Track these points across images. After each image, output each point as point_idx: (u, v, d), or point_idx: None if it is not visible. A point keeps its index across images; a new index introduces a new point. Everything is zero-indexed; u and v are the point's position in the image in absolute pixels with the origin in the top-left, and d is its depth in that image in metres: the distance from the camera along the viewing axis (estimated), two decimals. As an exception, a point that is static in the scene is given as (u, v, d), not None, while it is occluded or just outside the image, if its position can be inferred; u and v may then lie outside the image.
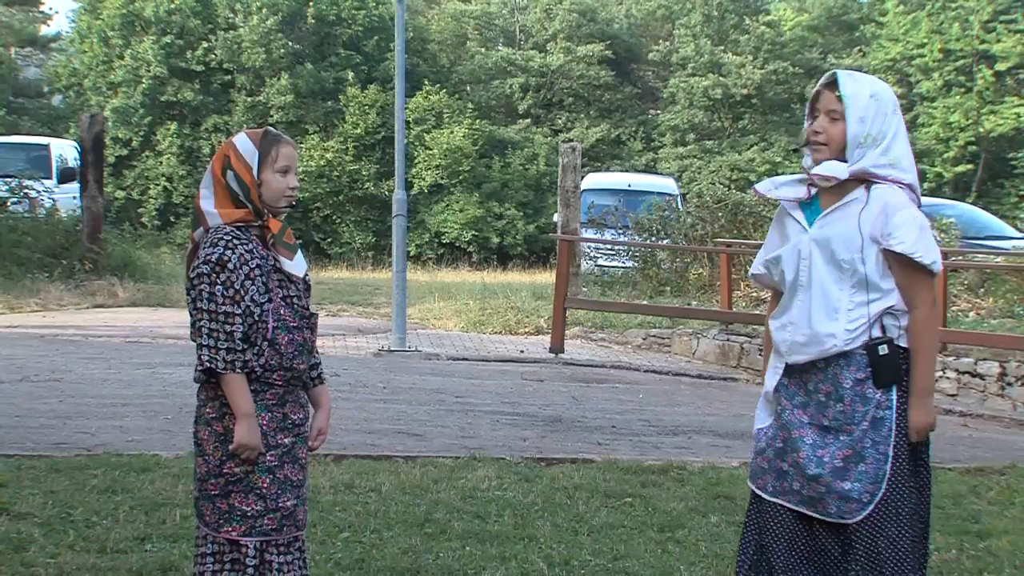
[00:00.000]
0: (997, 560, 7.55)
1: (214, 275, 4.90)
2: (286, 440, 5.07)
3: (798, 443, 5.06)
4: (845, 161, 5.06)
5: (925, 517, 5.07)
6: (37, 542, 7.02)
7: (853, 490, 4.96)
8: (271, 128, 5.21)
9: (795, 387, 5.14)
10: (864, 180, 5.04)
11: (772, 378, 5.23)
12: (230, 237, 4.98)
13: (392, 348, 18.44)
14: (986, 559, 7.57)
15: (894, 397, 4.98)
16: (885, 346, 4.97)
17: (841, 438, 4.99)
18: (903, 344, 5.01)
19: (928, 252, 4.95)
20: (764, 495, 5.18)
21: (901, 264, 4.96)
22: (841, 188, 5.09)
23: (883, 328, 5.00)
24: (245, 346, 4.93)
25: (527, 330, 21.74)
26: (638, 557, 7.27)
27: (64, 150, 31.82)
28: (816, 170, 5.15)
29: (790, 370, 5.15)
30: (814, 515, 5.05)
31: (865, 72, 5.28)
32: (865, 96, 5.08)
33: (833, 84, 5.12)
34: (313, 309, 5.25)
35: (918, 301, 5.00)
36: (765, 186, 5.29)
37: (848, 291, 5.00)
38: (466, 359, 18.06)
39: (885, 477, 4.96)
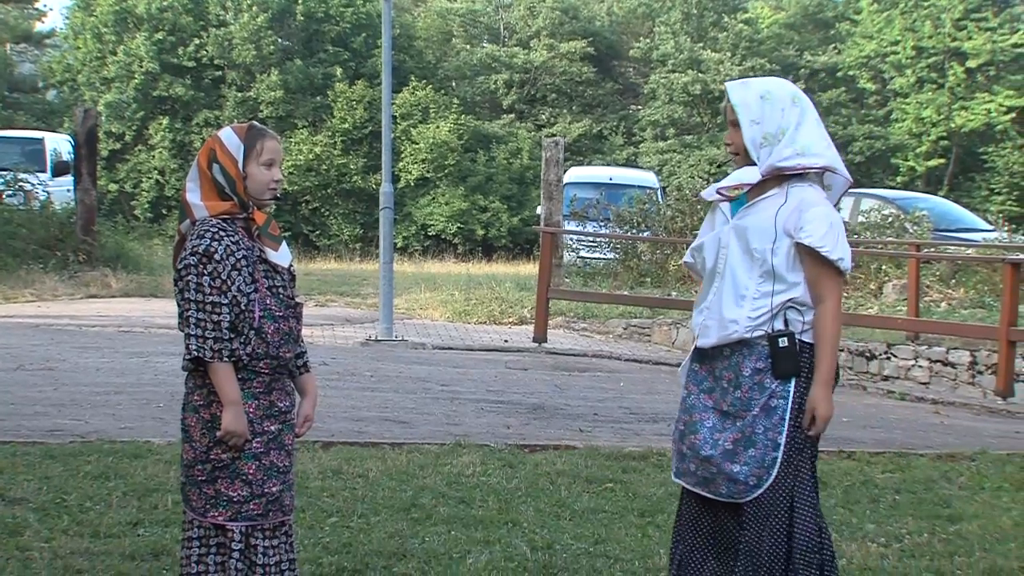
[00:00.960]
0: (967, 543, 7.57)
1: (201, 266, 4.89)
2: (272, 427, 5.06)
3: (697, 426, 5.15)
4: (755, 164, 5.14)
5: (810, 509, 5.09)
6: (32, 527, 7.01)
7: (740, 472, 5.04)
8: (255, 123, 5.20)
9: (704, 372, 5.22)
10: (782, 178, 5.09)
11: (686, 361, 5.33)
12: (216, 229, 4.96)
13: (379, 338, 18.43)
14: (956, 542, 7.59)
15: (791, 388, 5.04)
16: (785, 339, 5.03)
17: (737, 423, 5.06)
18: (806, 339, 5.07)
19: (836, 248, 5.01)
20: (671, 475, 5.30)
21: (811, 258, 5.02)
22: (762, 185, 5.17)
23: (786, 322, 5.05)
24: (232, 335, 4.92)
25: (511, 320, 21.75)
26: (619, 541, 7.28)
27: (58, 144, 31.76)
28: (722, 184, 5.34)
29: (701, 355, 5.23)
30: (708, 495, 5.11)
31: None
32: (754, 99, 5.16)
33: (728, 97, 5.22)
34: (299, 299, 5.24)
35: (825, 295, 5.06)
36: (708, 192, 5.41)
37: (756, 280, 5.06)
38: (451, 348, 18.07)
39: (775, 463, 5.01)
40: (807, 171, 5.09)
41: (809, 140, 5.09)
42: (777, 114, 5.11)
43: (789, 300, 5.03)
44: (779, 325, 5.04)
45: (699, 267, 5.33)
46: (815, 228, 4.99)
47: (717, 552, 5.18)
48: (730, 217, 5.20)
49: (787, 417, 5.02)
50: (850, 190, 5.71)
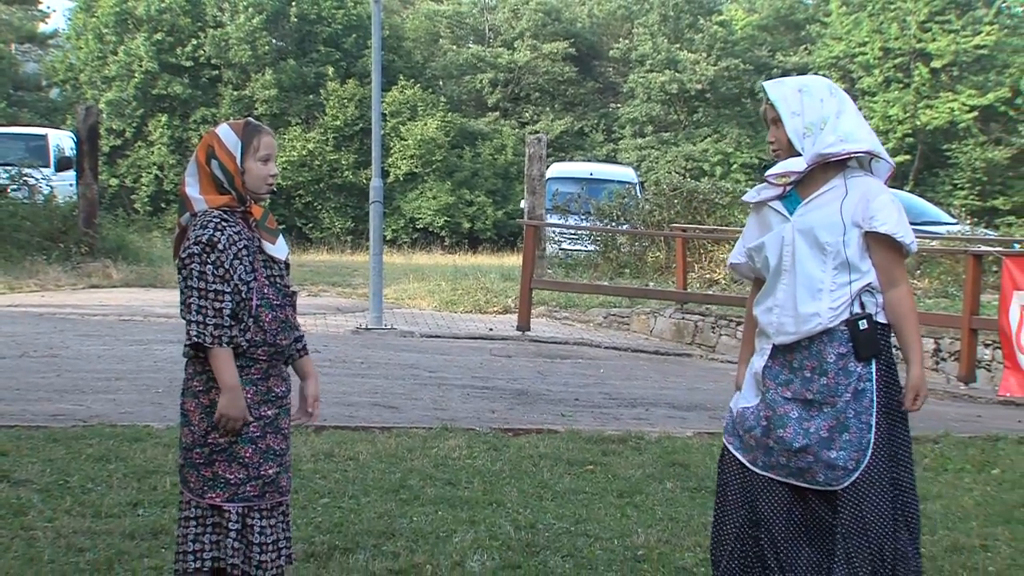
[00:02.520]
0: (931, 522, 7.58)
1: (204, 255, 4.88)
2: (269, 412, 5.06)
3: (783, 419, 5.05)
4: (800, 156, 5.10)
5: (912, 481, 5.09)
6: (36, 507, 7.00)
7: (839, 458, 4.97)
8: (252, 119, 5.19)
9: (779, 367, 5.14)
10: (837, 168, 5.07)
11: (759, 359, 5.22)
12: (219, 219, 4.96)
13: (369, 326, 18.42)
14: (921, 521, 7.59)
15: (874, 370, 5.01)
16: (864, 321, 5.00)
17: (825, 410, 5.00)
18: (881, 320, 5.05)
19: (907, 232, 5.03)
20: (756, 469, 5.16)
21: (882, 245, 5.00)
22: (818, 179, 5.12)
23: (862, 305, 5.02)
24: (232, 322, 4.91)
25: (496, 309, 21.75)
26: (599, 520, 7.28)
27: (61, 140, 31.65)
28: (769, 173, 5.22)
29: (775, 351, 5.15)
30: (803, 485, 5.06)
31: (810, 71, 5.31)
32: (793, 93, 5.13)
33: (766, 96, 5.18)
34: (293, 287, 5.24)
35: (897, 277, 5.06)
36: (751, 195, 5.32)
37: (831, 273, 5.01)
38: (439, 336, 18.06)
39: (869, 445, 4.97)
40: (851, 156, 5.07)
41: (851, 127, 5.08)
42: (816, 104, 5.08)
43: (865, 285, 5.02)
44: (856, 309, 5.01)
45: (759, 267, 5.25)
46: (887, 215, 4.98)
47: (810, 539, 5.10)
48: (788, 215, 5.13)
49: (875, 398, 5.00)
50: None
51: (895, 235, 4.98)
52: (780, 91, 5.15)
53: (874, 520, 4.96)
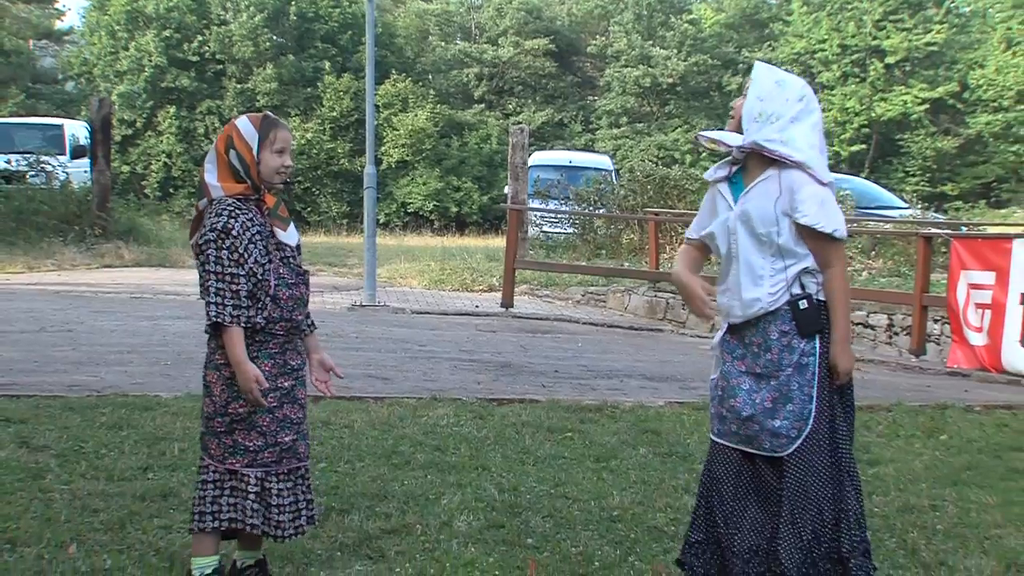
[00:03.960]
0: (884, 484, 7.61)
1: (220, 241, 4.87)
2: (286, 384, 5.06)
3: (735, 390, 5.07)
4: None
5: (849, 447, 5.09)
6: (53, 471, 6.98)
7: (782, 427, 4.98)
8: (270, 114, 5.17)
9: (735, 341, 5.14)
10: (774, 163, 5.04)
11: (719, 334, 5.25)
12: (233, 207, 4.94)
13: (364, 303, 18.40)
14: (875, 483, 7.62)
15: (816, 345, 4.99)
16: (804, 301, 4.98)
17: (771, 383, 5.00)
18: (822, 298, 5.03)
19: (829, 221, 4.95)
20: (712, 436, 5.20)
21: (810, 232, 4.97)
22: (758, 168, 5.08)
23: (802, 286, 5.02)
24: (250, 303, 4.91)
25: (481, 287, 21.75)
26: (577, 484, 7.28)
27: (76, 130, 31.53)
28: (703, 132, 5.29)
29: (731, 327, 5.16)
30: (752, 451, 5.08)
31: (773, 66, 5.27)
32: (770, 81, 5.09)
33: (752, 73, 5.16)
34: (306, 268, 5.25)
35: (828, 260, 5.01)
36: (708, 173, 5.31)
37: (769, 259, 5.00)
38: (428, 313, 18.05)
39: (811, 415, 4.97)
40: (782, 159, 5.00)
41: (796, 135, 5.00)
42: (782, 101, 5.03)
43: (802, 268, 5.01)
44: (796, 290, 4.99)
45: (714, 251, 5.24)
46: (808, 207, 4.93)
47: (758, 500, 5.10)
48: (732, 203, 5.10)
49: (816, 372, 4.99)
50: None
51: (815, 226, 4.93)
52: (762, 74, 5.12)
53: (815, 484, 4.98)
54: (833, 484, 5.01)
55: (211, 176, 5.03)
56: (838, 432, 5.04)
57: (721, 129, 5.36)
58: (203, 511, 5.01)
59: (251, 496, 4.98)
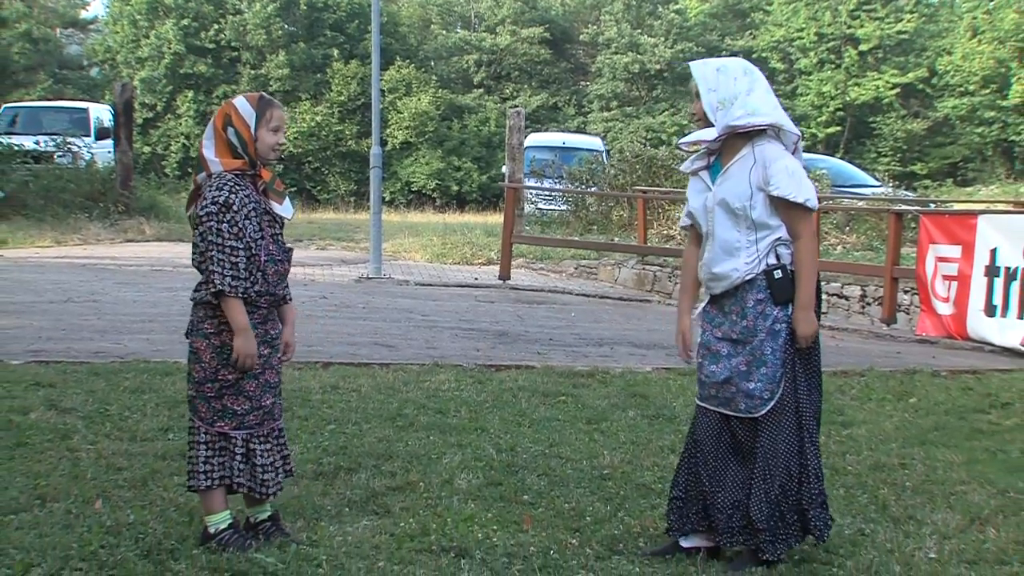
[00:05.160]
0: (856, 444, 7.62)
1: (221, 214, 4.87)
2: (266, 351, 5.08)
3: (715, 356, 5.13)
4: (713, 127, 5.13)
5: (811, 409, 5.12)
6: (80, 432, 6.98)
7: (756, 389, 5.03)
8: (265, 94, 5.17)
9: (715, 311, 5.19)
10: (747, 138, 5.07)
11: (700, 305, 5.30)
12: (233, 183, 4.94)
13: (370, 276, 18.38)
14: (848, 443, 7.64)
15: (790, 313, 5.03)
16: (779, 271, 5.02)
17: (746, 348, 5.05)
18: (794, 268, 5.04)
19: (800, 192, 4.99)
20: (697, 400, 5.26)
21: (782, 204, 4.99)
22: (732, 149, 5.13)
23: (778, 256, 5.03)
24: (247, 275, 4.91)
25: (480, 261, 21.73)
26: (570, 444, 7.29)
27: (100, 113, 31.48)
28: (682, 140, 5.33)
29: (712, 298, 5.21)
30: (730, 413, 5.10)
31: (754, 53, 5.29)
32: (711, 72, 5.14)
33: (692, 74, 5.19)
34: (293, 245, 5.27)
35: (798, 232, 5.04)
36: (685, 166, 5.35)
37: (744, 232, 5.04)
38: (430, 285, 18.03)
39: (782, 378, 5.02)
40: (757, 128, 5.05)
41: (757, 103, 5.06)
42: (730, 83, 5.08)
43: (776, 239, 5.03)
44: (772, 260, 5.02)
45: (699, 231, 5.28)
46: (780, 179, 4.96)
47: (738, 459, 5.15)
48: (711, 184, 5.16)
49: (788, 337, 5.03)
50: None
51: (787, 196, 4.97)
52: (702, 70, 5.17)
53: (784, 443, 5.04)
54: (798, 442, 5.08)
55: (209, 151, 5.03)
56: (799, 393, 5.07)
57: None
58: (196, 471, 5.04)
59: (238, 457, 5.02)
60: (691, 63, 5.28)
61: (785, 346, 5.03)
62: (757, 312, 5.04)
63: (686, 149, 5.29)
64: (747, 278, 5.04)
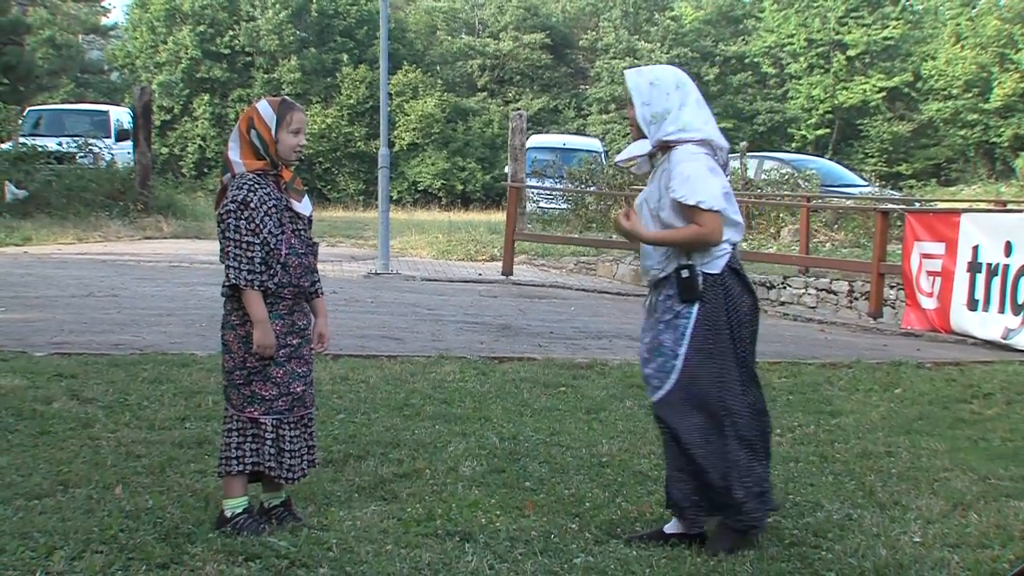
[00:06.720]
0: (844, 433, 7.62)
1: (239, 212, 4.92)
2: (294, 341, 5.11)
3: (641, 340, 5.28)
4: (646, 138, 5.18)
5: (749, 407, 5.12)
6: (100, 421, 6.99)
7: (650, 374, 5.17)
8: (287, 98, 5.21)
9: (647, 301, 5.31)
10: (667, 148, 5.11)
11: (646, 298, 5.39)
12: (252, 182, 4.99)
13: (378, 271, 18.40)
14: (836, 432, 7.64)
15: (695, 311, 5.04)
16: (686, 270, 5.05)
17: (651, 335, 5.17)
18: (708, 270, 5.06)
19: (692, 194, 4.98)
20: None
21: (683, 207, 5.02)
22: (659, 158, 5.19)
23: (688, 256, 5.07)
24: (263, 268, 4.94)
25: (484, 257, 21.72)
26: (570, 433, 7.29)
27: (120, 116, 31.49)
28: (618, 158, 5.45)
29: (650, 291, 5.29)
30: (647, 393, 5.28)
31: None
32: (645, 84, 5.14)
33: (625, 82, 5.22)
34: (315, 239, 5.29)
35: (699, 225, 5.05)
36: (635, 169, 5.39)
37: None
38: (436, 280, 18.04)
39: (673, 371, 5.07)
40: (688, 143, 5.05)
41: (689, 118, 5.08)
42: (663, 97, 5.09)
43: None
44: (684, 260, 5.06)
45: None
46: (675, 183, 5.00)
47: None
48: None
49: (688, 333, 5.04)
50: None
51: (680, 199, 4.99)
52: (636, 81, 5.17)
53: (682, 432, 5.05)
54: (712, 440, 5.05)
55: (234, 153, 5.07)
56: (703, 387, 5.05)
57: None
58: (228, 456, 5.09)
59: (268, 442, 5.06)
60: (626, 72, 5.30)
61: (681, 341, 5.05)
62: (666, 306, 5.12)
63: (623, 166, 5.41)
64: (661, 275, 5.14)
